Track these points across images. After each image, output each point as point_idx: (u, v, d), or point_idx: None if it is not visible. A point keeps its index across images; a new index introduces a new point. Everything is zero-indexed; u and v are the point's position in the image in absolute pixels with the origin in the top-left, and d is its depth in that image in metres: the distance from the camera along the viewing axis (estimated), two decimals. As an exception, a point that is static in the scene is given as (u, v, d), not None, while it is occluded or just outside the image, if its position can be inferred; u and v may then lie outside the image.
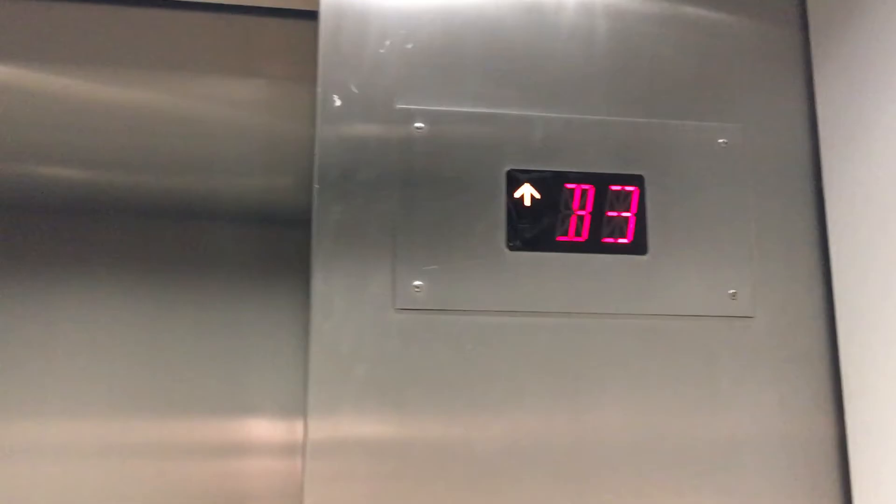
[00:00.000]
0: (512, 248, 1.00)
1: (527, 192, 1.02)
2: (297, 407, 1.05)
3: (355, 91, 1.01)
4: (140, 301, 1.11)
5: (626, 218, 1.03)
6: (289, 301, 1.11)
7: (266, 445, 1.10)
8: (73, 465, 1.06)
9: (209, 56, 1.18)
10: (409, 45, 1.03)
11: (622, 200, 1.03)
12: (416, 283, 0.98)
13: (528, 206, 1.02)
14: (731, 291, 1.03)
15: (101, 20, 1.18)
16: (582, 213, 1.02)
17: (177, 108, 1.16)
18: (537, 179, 1.02)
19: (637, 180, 1.04)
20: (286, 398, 1.09)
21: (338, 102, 1.00)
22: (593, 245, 1.02)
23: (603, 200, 1.03)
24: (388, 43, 1.03)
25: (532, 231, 1.01)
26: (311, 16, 1.05)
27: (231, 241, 1.14)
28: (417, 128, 1.01)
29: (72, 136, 1.14)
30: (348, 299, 0.96)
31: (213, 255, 1.13)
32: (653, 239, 1.03)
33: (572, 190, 1.03)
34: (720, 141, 1.07)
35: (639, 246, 1.03)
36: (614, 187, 1.04)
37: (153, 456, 1.07)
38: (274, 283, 1.13)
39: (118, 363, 1.09)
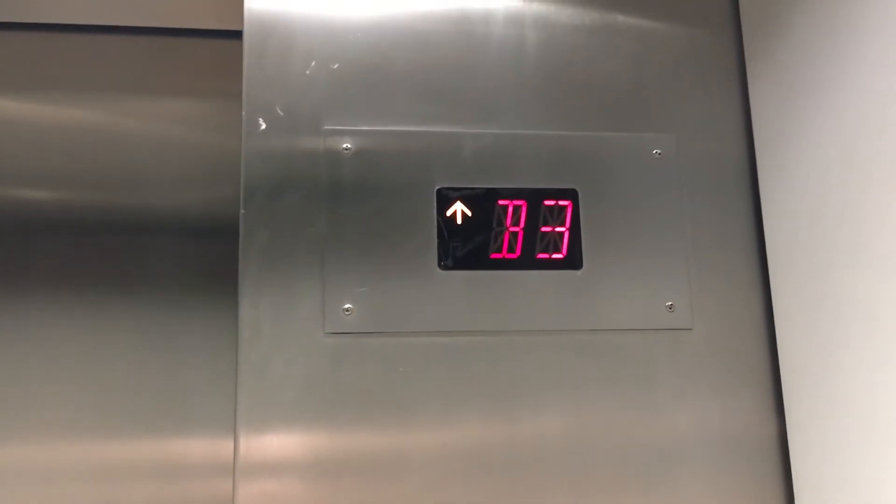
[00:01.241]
0: (444, 268, 0.99)
1: (458, 210, 1.01)
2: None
3: (281, 113, 1.00)
4: (77, 319, 1.10)
5: (561, 233, 1.02)
6: (230, 316, 1.10)
7: (207, 465, 1.09)
8: (6, 490, 1.05)
9: (142, 76, 1.18)
10: (336, 65, 1.02)
11: (556, 215, 1.02)
12: (347, 305, 0.97)
13: (459, 224, 1.00)
14: (669, 304, 1.02)
15: (37, 46, 1.18)
16: (515, 229, 1.01)
17: (112, 126, 1.16)
18: (469, 197, 1.01)
19: (571, 194, 1.03)
20: (228, 417, 1.08)
21: (263, 125, 0.99)
22: (527, 261, 1.01)
23: (536, 216, 1.02)
24: (313, 63, 1.02)
25: (464, 249, 1.00)
26: (238, 35, 1.04)
27: (170, 257, 1.14)
28: (345, 148, 1.00)
29: (8, 157, 1.13)
30: (277, 324, 0.95)
31: (151, 271, 1.13)
32: (588, 253, 1.02)
33: (505, 206, 1.02)
34: (655, 152, 1.06)
35: (574, 261, 1.02)
36: (548, 202, 1.03)
37: (91, 478, 1.06)
38: (214, 297, 1.12)
39: (53, 383, 1.08)
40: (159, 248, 1.14)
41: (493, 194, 1.02)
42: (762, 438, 1.01)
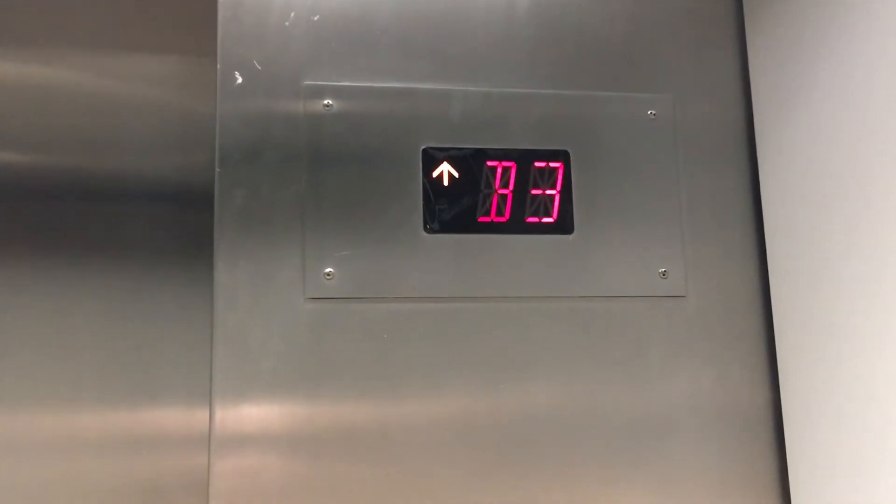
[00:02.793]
0: (430, 231, 0.95)
1: (445, 171, 0.97)
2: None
3: (258, 67, 0.95)
4: (44, 286, 1.05)
5: (551, 196, 0.98)
6: (204, 283, 1.05)
7: (181, 437, 1.05)
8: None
9: (112, 31, 1.12)
10: (316, 17, 0.97)
11: (546, 177, 0.98)
12: (328, 270, 0.92)
13: (446, 186, 0.96)
14: (662, 270, 0.99)
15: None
16: (504, 191, 0.97)
17: (81, 85, 1.11)
18: (456, 157, 0.97)
19: (562, 156, 0.99)
20: (202, 387, 1.04)
21: (239, 80, 0.94)
22: (517, 225, 0.97)
23: (526, 178, 0.98)
24: (293, 15, 0.97)
25: (451, 212, 0.96)
26: (214, -13, 0.99)
27: (142, 222, 1.09)
28: (326, 105, 0.95)
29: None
30: (254, 290, 0.91)
31: (122, 236, 1.08)
32: (579, 217, 0.98)
33: (494, 168, 0.97)
34: (649, 112, 1.02)
35: (564, 225, 0.98)
36: (538, 164, 0.98)
37: (59, 450, 1.02)
38: (188, 263, 1.08)
39: (20, 352, 1.04)
40: (131, 213, 1.09)
41: (482, 155, 0.97)
42: (756, 408, 0.99)
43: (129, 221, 1.09)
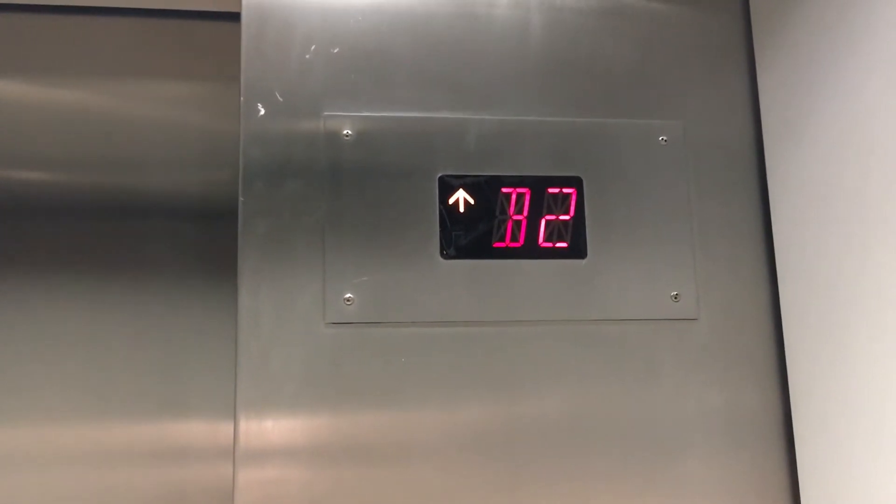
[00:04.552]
0: (446, 257, 0.98)
1: (461, 198, 0.99)
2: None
3: (280, 99, 0.98)
4: (73, 302, 1.09)
5: (565, 221, 1.00)
6: (227, 298, 1.08)
7: (206, 449, 1.08)
8: (2, 475, 1.04)
9: (138, 59, 1.16)
10: (336, 50, 1.00)
11: (560, 203, 1.01)
12: (347, 295, 0.95)
13: (462, 213, 0.99)
14: (674, 293, 1.01)
15: (33, 28, 1.16)
16: (518, 217, 1.00)
17: (108, 109, 1.15)
18: (471, 184, 1.00)
19: (575, 182, 1.01)
20: (227, 399, 1.07)
21: (262, 111, 0.97)
22: (531, 250, 0.99)
23: (540, 204, 1.00)
24: (313, 48, 1.00)
25: (467, 238, 0.98)
26: (236, 17, 1.02)
27: (166, 239, 1.13)
28: (346, 135, 0.98)
29: (4, 140, 1.12)
30: (276, 314, 0.94)
31: (148, 253, 1.12)
32: (592, 242, 1.00)
33: (508, 194, 1.00)
34: (661, 139, 1.04)
35: (578, 250, 1.00)
36: (552, 190, 1.01)
37: (88, 462, 1.06)
38: (211, 279, 1.11)
39: (50, 367, 1.07)
40: (156, 231, 1.13)
41: (496, 182, 1.00)
42: (767, 429, 1.00)
43: (154, 238, 1.13)
